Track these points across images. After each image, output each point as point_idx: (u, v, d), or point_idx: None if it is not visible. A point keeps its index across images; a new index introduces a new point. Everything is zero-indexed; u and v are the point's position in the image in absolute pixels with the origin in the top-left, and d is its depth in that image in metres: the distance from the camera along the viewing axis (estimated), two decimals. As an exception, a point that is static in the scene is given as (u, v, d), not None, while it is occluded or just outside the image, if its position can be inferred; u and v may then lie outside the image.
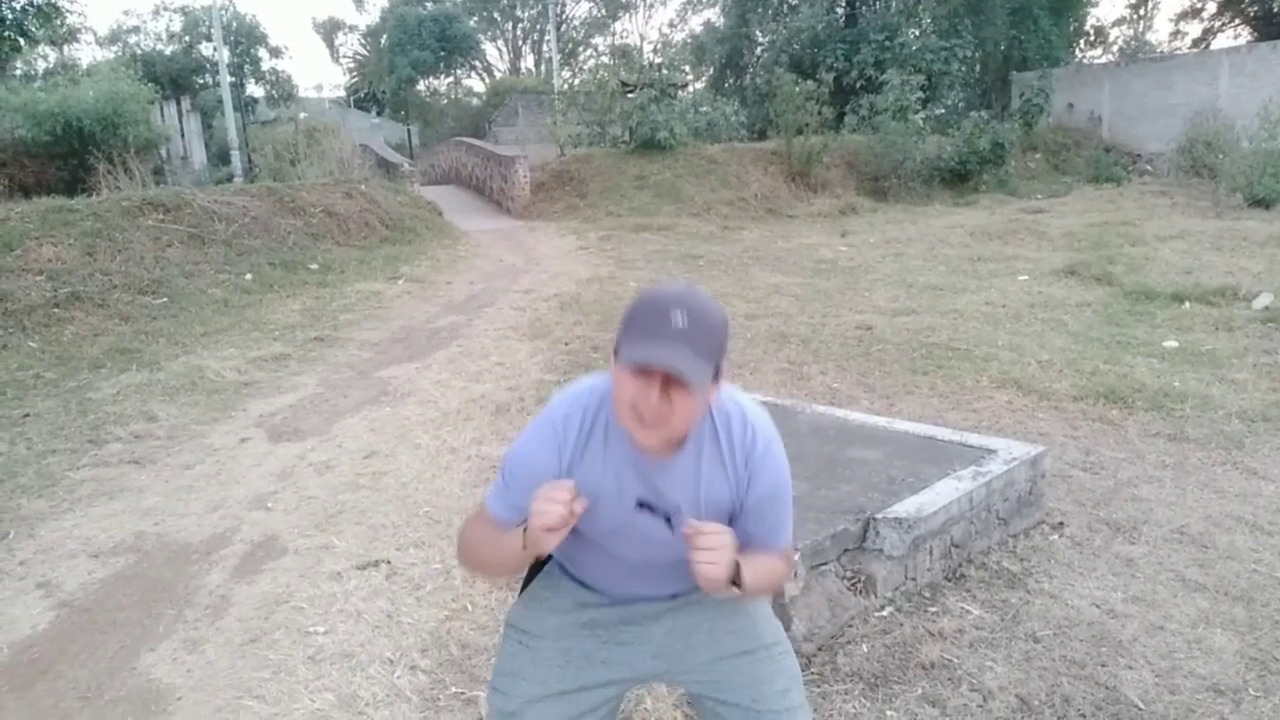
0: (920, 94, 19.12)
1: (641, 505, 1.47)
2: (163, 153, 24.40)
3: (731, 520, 1.48)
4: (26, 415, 5.62)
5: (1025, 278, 9.16)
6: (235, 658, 2.94)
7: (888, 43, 21.72)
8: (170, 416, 5.50)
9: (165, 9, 32.80)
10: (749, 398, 1.55)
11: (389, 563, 3.55)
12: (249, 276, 9.53)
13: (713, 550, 1.34)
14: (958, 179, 19.05)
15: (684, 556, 1.37)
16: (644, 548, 1.52)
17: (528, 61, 44.66)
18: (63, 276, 8.33)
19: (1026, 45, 25.56)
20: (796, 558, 1.44)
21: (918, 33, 22.93)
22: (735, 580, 1.39)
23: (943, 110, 22.14)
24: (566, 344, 7.05)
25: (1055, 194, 18.60)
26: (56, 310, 7.85)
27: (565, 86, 23.77)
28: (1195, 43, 32.09)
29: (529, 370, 6.35)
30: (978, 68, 26.13)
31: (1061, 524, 3.67)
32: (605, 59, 23.14)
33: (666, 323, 1.30)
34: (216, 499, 4.28)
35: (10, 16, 11.36)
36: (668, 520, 1.47)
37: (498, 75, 40.79)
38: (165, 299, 8.41)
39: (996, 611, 3.00)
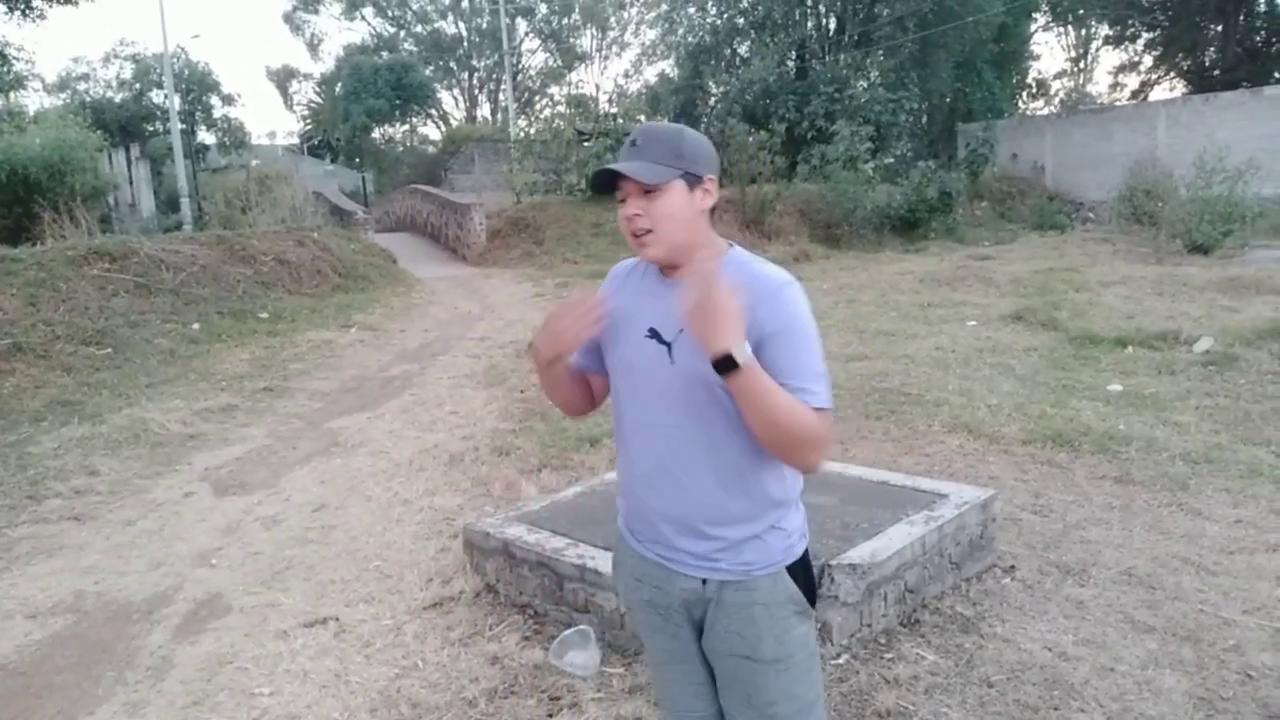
0: (870, 144, 19.60)
1: (651, 334, 1.58)
2: (110, 200, 24.05)
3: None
4: (-40, 471, 5.43)
5: (974, 323, 9.36)
6: (175, 722, 2.83)
7: (837, 94, 22.28)
8: (112, 471, 5.35)
9: (116, 56, 32.61)
10: (765, 268, 1.59)
11: (337, 619, 3.46)
12: (196, 326, 9.37)
13: (707, 296, 1.37)
14: (907, 227, 19.49)
15: (685, 444, 1.54)
16: (650, 401, 1.59)
17: (484, 110, 45.05)
18: (3, 327, 8.11)
19: (971, 97, 26.45)
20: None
21: (866, 84, 23.56)
22: (731, 362, 1.38)
23: (892, 160, 22.69)
24: (522, 391, 7.01)
25: (1001, 241, 19.11)
26: (-4, 361, 7.63)
27: (521, 135, 23.94)
28: (1134, 94, 33.34)
29: (484, 419, 6.30)
30: (925, 119, 26.95)
31: (1013, 567, 3.71)
32: (561, 108, 23.38)
33: (626, 148, 1.55)
34: (159, 556, 4.15)
35: None
36: (670, 350, 1.55)
37: (454, 123, 41.02)
38: (109, 349, 8.23)
39: (951, 657, 3.01)
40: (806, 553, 1.65)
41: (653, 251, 1.55)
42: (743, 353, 1.37)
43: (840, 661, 2.96)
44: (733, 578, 1.58)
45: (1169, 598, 3.40)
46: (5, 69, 12.79)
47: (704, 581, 1.60)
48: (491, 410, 6.53)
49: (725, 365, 1.38)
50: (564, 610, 3.29)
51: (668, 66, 30.10)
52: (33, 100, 29.65)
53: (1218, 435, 5.31)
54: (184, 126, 24.92)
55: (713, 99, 26.80)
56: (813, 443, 1.45)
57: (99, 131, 21.34)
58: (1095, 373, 6.97)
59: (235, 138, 35.56)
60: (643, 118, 23.27)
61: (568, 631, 3.11)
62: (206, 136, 34.19)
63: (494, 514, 3.92)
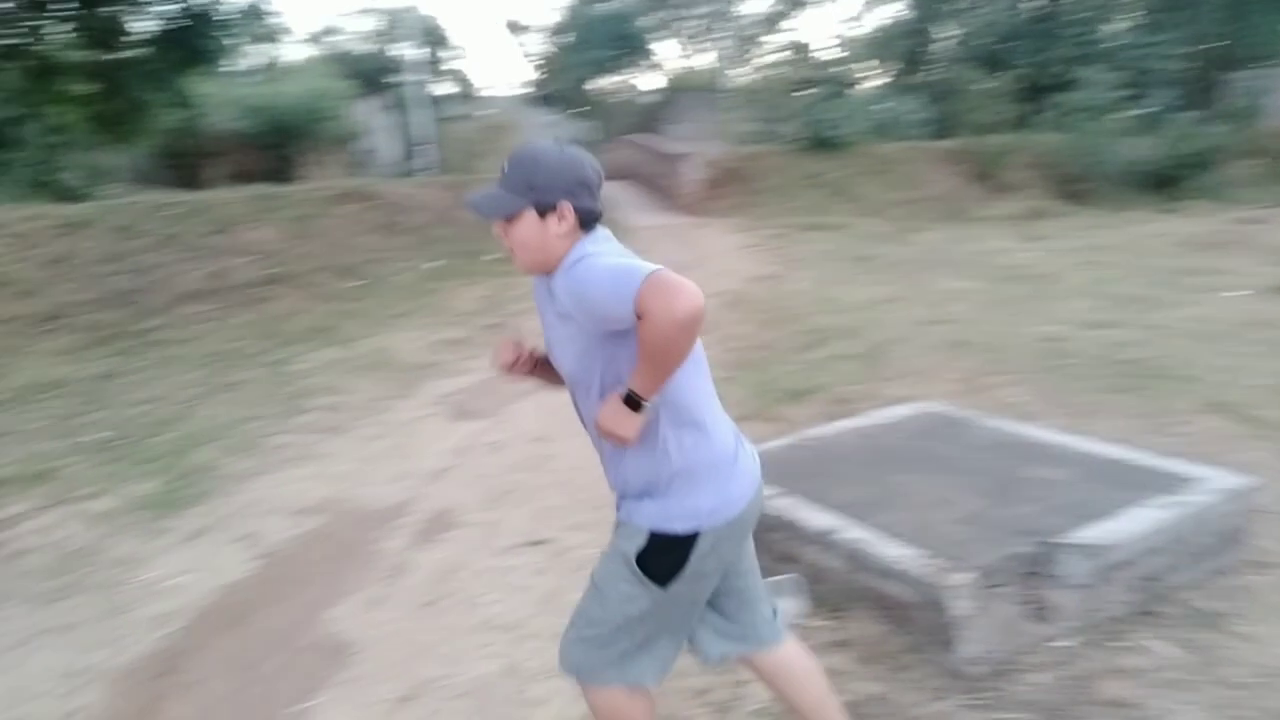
0: (1121, 92, 17.81)
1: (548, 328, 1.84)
2: (356, 146, 26.14)
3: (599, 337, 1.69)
4: (235, 383, 6.17)
5: (1238, 293, 8.37)
6: (412, 618, 3.12)
7: (1084, 38, 20.34)
8: (359, 391, 5.90)
9: (367, 10, 35.08)
10: (607, 246, 1.73)
11: (554, 542, 3.66)
12: (433, 264, 10.07)
13: (607, 420, 1.65)
14: (1162, 183, 17.60)
15: (609, 447, 1.77)
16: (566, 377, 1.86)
17: (701, 59, 44.81)
18: (270, 258, 9.08)
19: (1245, 41, 23.28)
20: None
21: (1118, 28, 21.34)
22: (634, 404, 1.63)
23: (1146, 110, 20.54)
24: (731, 340, 7.03)
25: (1277, 203, 16.88)
26: (263, 289, 8.57)
27: (738, 84, 23.66)
28: None
29: (694, 366, 6.38)
30: (1187, 65, 24.06)
31: (1270, 565, 3.33)
32: (779, 56, 22.86)
33: (500, 173, 1.73)
34: (398, 470, 4.55)
35: (222, 19, 12.61)
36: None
37: (670, 73, 41.13)
38: (359, 282, 9.02)
39: (1191, 652, 2.76)
40: (685, 537, 1.73)
41: (518, 267, 1.77)
42: (643, 410, 1.64)
43: (1065, 645, 2.79)
44: (621, 519, 1.85)
45: None
46: (263, 23, 14.31)
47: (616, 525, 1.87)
48: (701, 358, 6.59)
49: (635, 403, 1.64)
50: (764, 556, 3.30)
51: (896, 9, 28.58)
52: (289, 52, 32.58)
53: None
54: (422, 77, 26.52)
55: (944, 43, 25.25)
56: (673, 324, 1.52)
57: (348, 81, 23.17)
58: (1389, 357, 6.06)
59: (467, 89, 37.49)
60: (864, 65, 22.35)
61: (778, 578, 3.13)
62: (443, 87, 36.30)
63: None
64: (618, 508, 1.87)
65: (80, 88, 12.30)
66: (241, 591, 3.37)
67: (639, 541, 1.76)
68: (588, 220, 1.73)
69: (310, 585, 3.40)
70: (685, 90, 30.88)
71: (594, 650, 1.86)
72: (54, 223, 8.88)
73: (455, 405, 5.65)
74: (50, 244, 8.57)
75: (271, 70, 22.93)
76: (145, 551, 3.72)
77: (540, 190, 1.68)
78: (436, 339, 7.28)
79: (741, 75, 25.08)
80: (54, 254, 8.43)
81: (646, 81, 40.41)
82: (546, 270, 1.73)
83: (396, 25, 28.00)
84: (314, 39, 35.34)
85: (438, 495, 4.24)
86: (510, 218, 1.70)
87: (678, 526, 1.73)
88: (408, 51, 25.86)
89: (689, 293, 1.51)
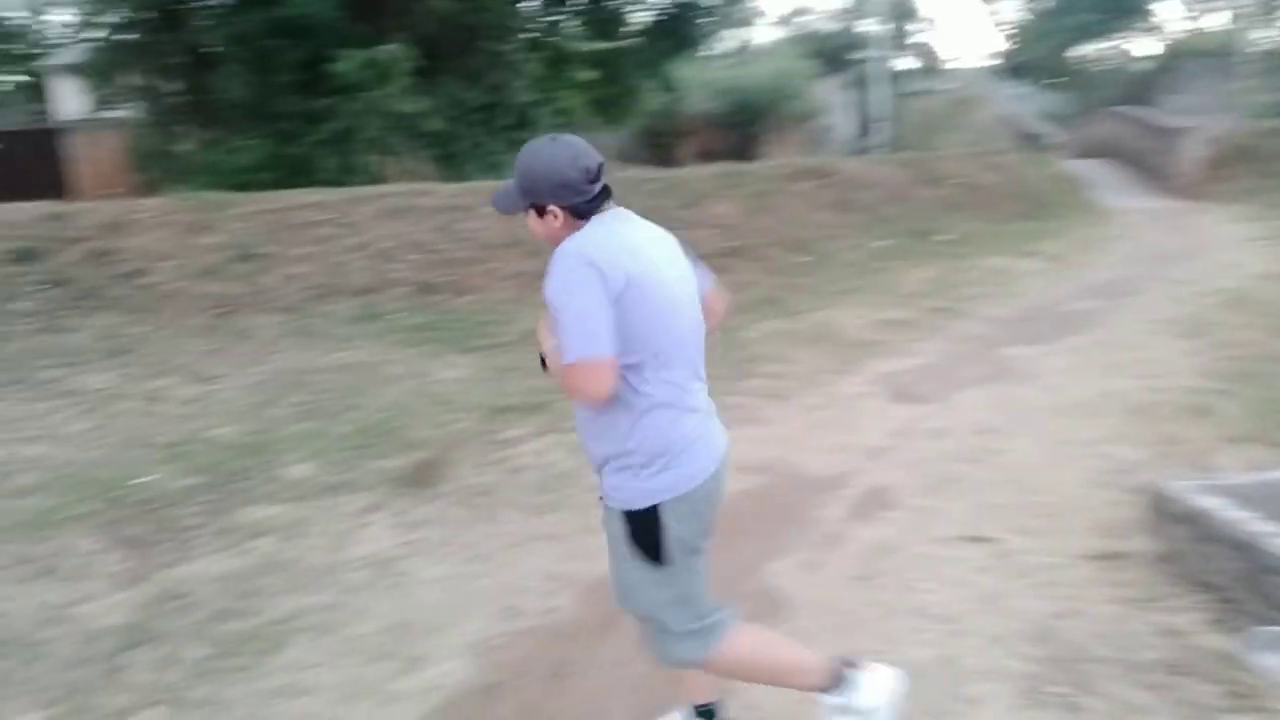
0: None
1: None
2: (814, 124, 26.66)
3: None
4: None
5: None
6: (846, 589, 3.17)
7: None
8: (804, 362, 6.08)
9: (838, -10, 35.36)
10: (598, 228, 1.89)
11: (997, 542, 3.46)
12: (883, 243, 9.98)
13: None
14: None
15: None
16: None
17: (1212, 19, 38.25)
18: (729, 232, 9.67)
19: None
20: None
21: None
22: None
23: None
24: (1230, 347, 6.01)
25: None
26: (722, 260, 9.17)
27: (1259, 48, 19.79)
28: None
29: (1178, 372, 5.57)
30: None
31: None
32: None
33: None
34: (837, 442, 4.62)
35: (707, 6, 13.61)
36: None
37: (1172, 36, 35.73)
38: (809, 257, 9.26)
39: None
40: (648, 510, 1.92)
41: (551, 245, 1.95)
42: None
43: None
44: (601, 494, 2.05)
45: None
46: (740, 10, 15.19)
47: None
48: (1190, 364, 5.73)
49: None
50: (1259, 602, 2.80)
51: None
52: (761, 35, 34.06)
53: None
54: (884, 53, 26.18)
55: None
56: (569, 389, 1.84)
57: (811, 60, 23.71)
58: None
59: (931, 63, 36.22)
60: None
61: (1268, 628, 2.65)
62: (904, 62, 35.50)
63: (1184, 478, 3.48)
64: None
65: (584, 74, 14.14)
66: (691, 532, 3.69)
67: (622, 526, 1.97)
68: (580, 213, 1.91)
69: (751, 537, 3.61)
70: (1189, 56, 26.71)
71: (675, 641, 2.06)
72: (559, 193, 10.38)
73: (897, 386, 5.57)
74: (555, 212, 10.05)
75: (742, 53, 24.29)
76: (615, 483, 4.23)
77: (532, 194, 1.91)
78: (880, 318, 7.22)
79: (1265, 38, 20.94)
80: (557, 220, 9.87)
81: (1140, 47, 35.69)
82: None
83: (865, 2, 27.91)
84: (784, 21, 36.65)
85: (875, 473, 4.23)
86: (525, 212, 1.96)
87: (639, 503, 1.92)
88: (873, 27, 25.67)
89: (584, 395, 1.83)
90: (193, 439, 4.55)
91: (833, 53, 31.25)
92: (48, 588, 3.20)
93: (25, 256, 6.88)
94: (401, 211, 8.36)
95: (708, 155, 17.85)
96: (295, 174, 9.85)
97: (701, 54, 15.96)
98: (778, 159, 12.98)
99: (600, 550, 3.57)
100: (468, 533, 3.74)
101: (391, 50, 10.08)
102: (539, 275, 1.90)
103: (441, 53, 11.39)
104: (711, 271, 2.25)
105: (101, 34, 12.31)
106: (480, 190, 9.55)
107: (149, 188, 11.32)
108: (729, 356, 6.29)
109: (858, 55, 26.26)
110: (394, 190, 8.91)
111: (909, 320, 7.18)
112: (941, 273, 9.00)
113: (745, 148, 19.64)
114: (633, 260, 1.83)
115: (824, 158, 13.48)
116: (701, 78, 20.82)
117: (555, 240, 1.91)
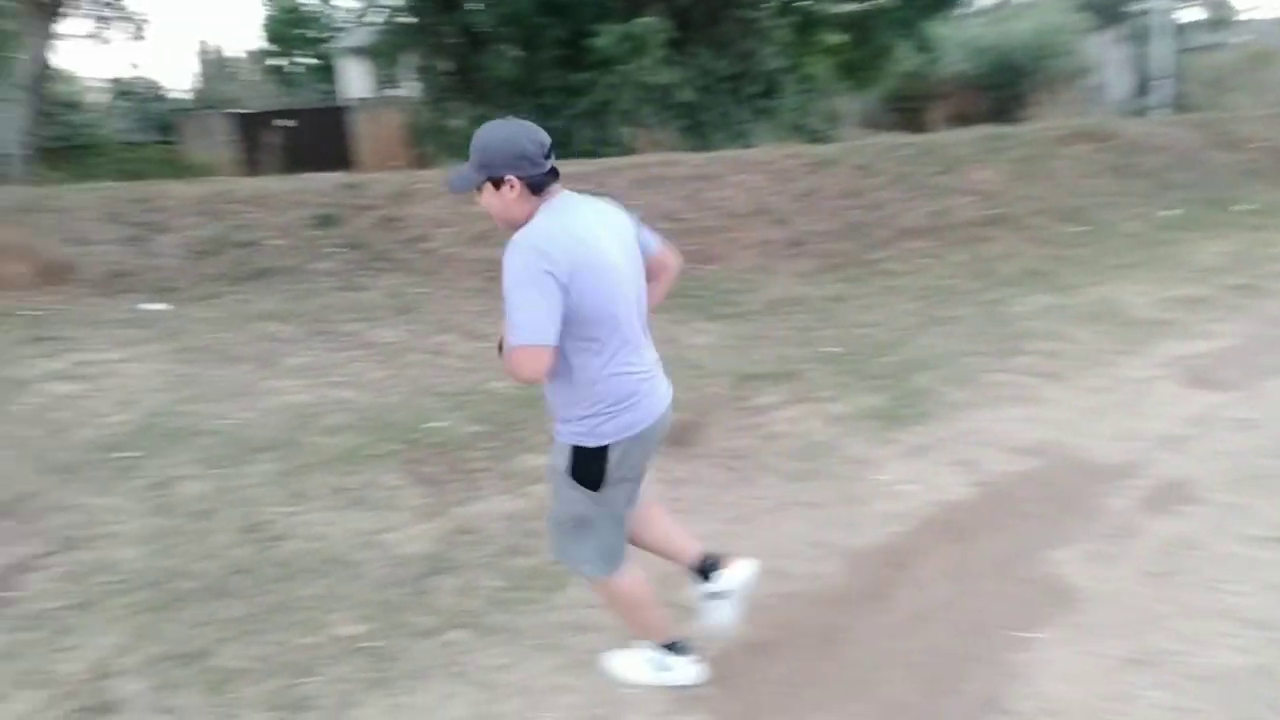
0: None
1: None
2: (1085, 83, 24.39)
3: None
4: (949, 318, 6.39)
5: None
6: (1140, 584, 2.94)
7: None
8: (1081, 341, 5.63)
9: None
10: (548, 219, 2.07)
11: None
12: (1170, 212, 9.00)
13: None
14: None
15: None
16: None
17: None
18: (991, 199, 9.10)
19: None
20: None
21: None
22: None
23: None
24: None
25: None
26: (981, 229, 8.65)
27: None
28: None
29: None
30: None
31: None
32: None
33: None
34: (1125, 428, 4.25)
35: None
36: None
37: None
38: (1082, 227, 8.53)
39: None
40: (596, 450, 2.17)
41: (500, 226, 2.16)
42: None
43: None
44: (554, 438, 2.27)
45: None
46: None
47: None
48: None
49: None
50: None
51: None
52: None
53: None
54: (1168, 4, 23.43)
55: None
56: (510, 369, 2.04)
57: (1081, 14, 21.65)
58: None
59: (1221, 13, 32.01)
60: None
61: None
62: (1190, 13, 31.61)
63: None
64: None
65: (834, 38, 13.74)
66: (961, 511, 3.54)
67: (566, 456, 2.21)
68: (535, 186, 2.07)
69: (1029, 522, 3.41)
70: None
71: (567, 541, 2.35)
72: (805, 161, 10.17)
73: (1193, 370, 5.03)
74: (801, 179, 9.85)
75: (1003, 8, 22.65)
76: (874, 455, 4.13)
77: (490, 167, 2.06)
78: (1170, 295, 6.52)
79: None
80: (803, 189, 9.67)
81: None
82: (517, 229, 2.08)
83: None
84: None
85: (1171, 464, 3.85)
86: (478, 189, 2.10)
87: (589, 442, 2.16)
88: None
89: (522, 376, 2.02)
90: (474, 390, 4.93)
91: (1107, 5, 28.41)
92: (361, 516, 3.60)
93: (326, 222, 7.73)
94: (652, 181, 8.57)
95: (960, 119, 16.81)
96: (555, 147, 10.35)
97: (960, 11, 15.04)
98: (1048, 121, 11.97)
99: (864, 522, 3.55)
100: (727, 494, 3.80)
101: (648, 23, 10.30)
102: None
103: (694, 23, 11.49)
104: (659, 234, 2.48)
105: (382, 18, 13.47)
106: (726, 160, 9.60)
107: (424, 161, 12.33)
108: (992, 331, 5.95)
109: (1136, 6, 23.72)
110: (645, 161, 9.14)
111: (1205, 298, 6.44)
112: (1242, 246, 7.99)
113: (1004, 110, 18.30)
114: (581, 247, 2.03)
115: (1104, 119, 12.28)
116: (958, 36, 19.63)
117: (508, 215, 2.11)
